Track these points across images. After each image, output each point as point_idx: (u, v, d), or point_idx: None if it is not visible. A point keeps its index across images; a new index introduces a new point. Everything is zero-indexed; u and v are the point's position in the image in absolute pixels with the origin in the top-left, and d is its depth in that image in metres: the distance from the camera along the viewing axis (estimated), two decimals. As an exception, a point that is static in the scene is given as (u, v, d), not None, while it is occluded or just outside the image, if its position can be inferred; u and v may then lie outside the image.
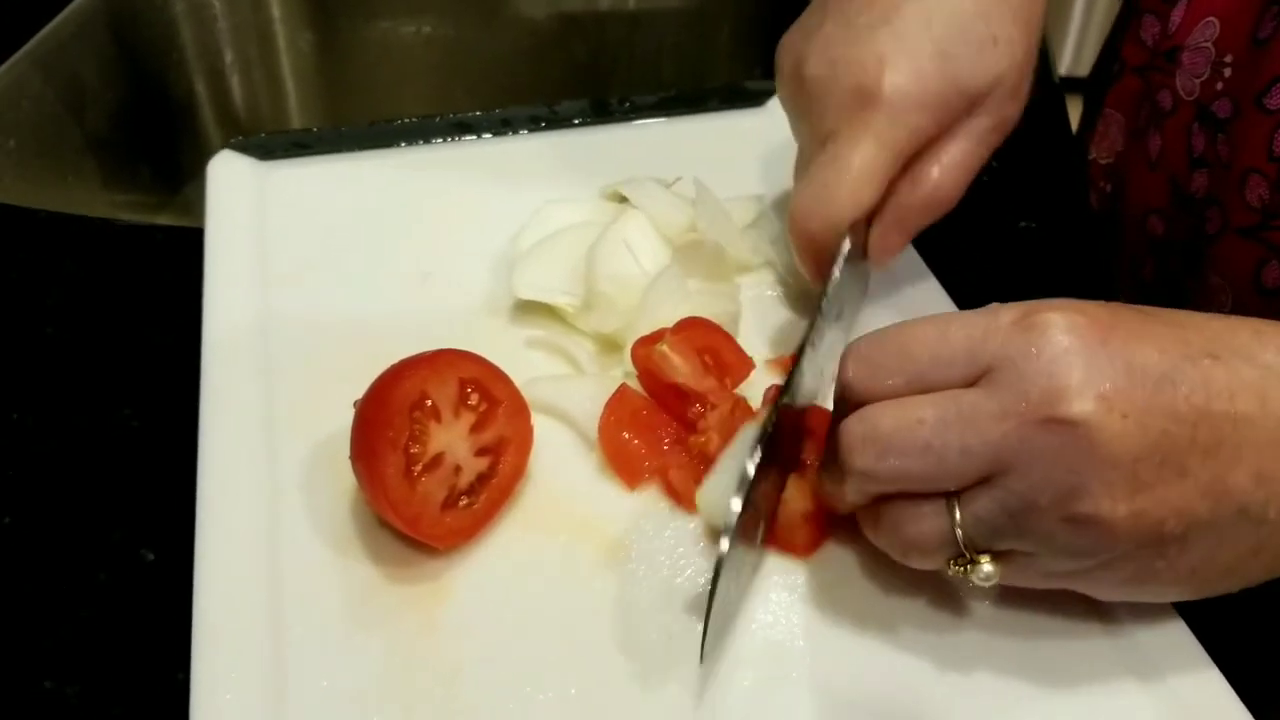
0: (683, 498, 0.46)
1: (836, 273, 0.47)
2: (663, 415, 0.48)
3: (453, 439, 0.43)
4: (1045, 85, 0.76)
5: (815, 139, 0.50)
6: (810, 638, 0.42)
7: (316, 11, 1.00)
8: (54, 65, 0.82)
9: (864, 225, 0.50)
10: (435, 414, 0.43)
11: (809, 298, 0.52)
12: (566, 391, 0.49)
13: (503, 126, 0.66)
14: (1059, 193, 0.71)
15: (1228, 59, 0.55)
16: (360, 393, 0.43)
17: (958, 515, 0.37)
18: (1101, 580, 0.38)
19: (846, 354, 0.39)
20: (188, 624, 0.41)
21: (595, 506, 0.46)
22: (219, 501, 0.45)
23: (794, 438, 0.45)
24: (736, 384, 0.49)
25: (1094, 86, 0.70)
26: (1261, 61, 0.53)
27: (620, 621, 0.42)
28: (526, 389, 0.47)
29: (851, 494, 0.39)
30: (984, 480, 0.36)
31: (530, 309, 0.54)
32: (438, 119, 0.66)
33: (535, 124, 0.67)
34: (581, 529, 0.45)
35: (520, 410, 0.46)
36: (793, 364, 0.43)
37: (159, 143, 0.93)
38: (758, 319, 0.54)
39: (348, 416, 0.43)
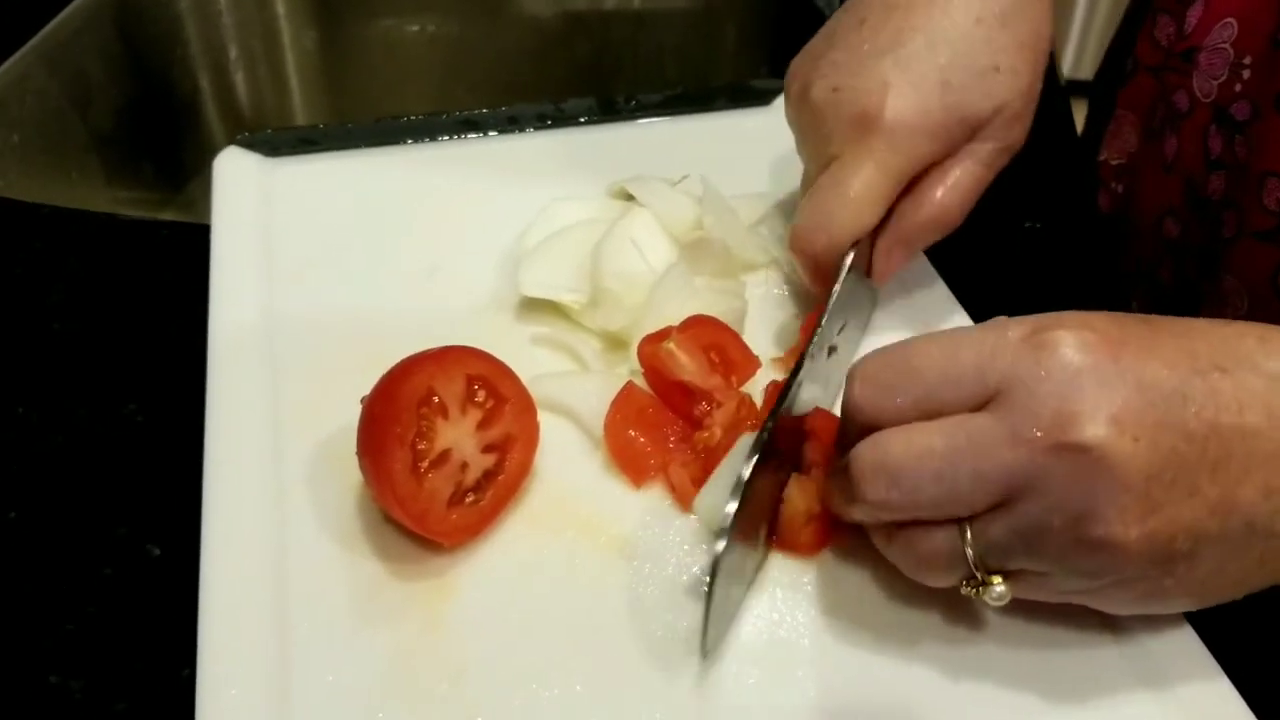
0: (683, 496, 0.46)
1: (838, 287, 0.48)
2: (668, 413, 0.48)
3: (459, 436, 0.43)
4: (1050, 86, 0.76)
5: (819, 162, 0.51)
6: (816, 637, 0.41)
7: (321, 8, 1.00)
8: (59, 60, 0.82)
9: (869, 242, 0.51)
10: (442, 410, 0.43)
11: (815, 297, 0.52)
12: (572, 389, 0.49)
13: (509, 124, 0.66)
14: (1064, 193, 0.71)
15: (1246, 60, 0.55)
16: (367, 389, 0.43)
17: (969, 538, 0.36)
18: (1112, 597, 0.38)
19: (853, 374, 0.39)
20: (193, 619, 0.41)
21: (601, 504, 0.46)
22: (224, 497, 0.45)
23: (795, 440, 0.45)
24: (742, 382, 0.49)
25: (1103, 86, 0.69)
26: None
27: (626, 619, 0.42)
28: (532, 386, 0.47)
29: (863, 518, 0.39)
30: (997, 504, 0.36)
31: (536, 306, 0.54)
32: (444, 116, 0.66)
33: (542, 122, 0.67)
34: (587, 526, 0.45)
35: (527, 407, 0.46)
36: (790, 377, 0.44)
37: (163, 139, 0.93)
38: (764, 317, 0.54)
39: (354, 412, 0.43)
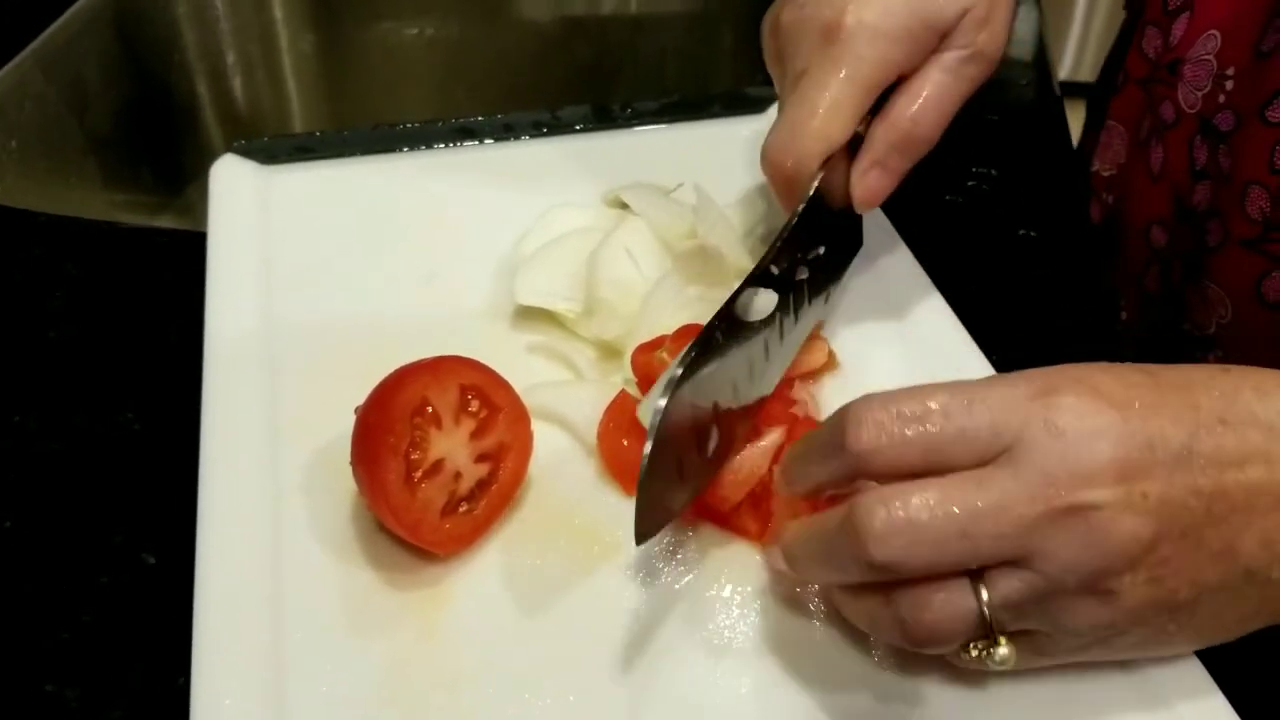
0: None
1: (806, 202, 0.48)
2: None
3: (453, 445, 0.44)
4: (1045, 94, 0.76)
5: (789, 80, 0.50)
6: (810, 642, 0.42)
7: (319, 13, 1.00)
8: (57, 66, 0.82)
9: (846, 167, 0.50)
10: (436, 420, 0.43)
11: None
12: (566, 398, 0.49)
13: (505, 132, 0.66)
14: (1059, 201, 0.71)
15: (1230, 71, 0.56)
16: (361, 398, 0.44)
17: (985, 596, 0.35)
18: (1113, 646, 0.38)
19: (860, 416, 0.36)
20: (188, 628, 0.41)
21: (595, 513, 0.46)
22: (220, 506, 0.45)
23: (745, 418, 0.45)
24: (736, 391, 0.50)
25: (1098, 98, 0.70)
26: (1264, 74, 0.53)
27: (619, 628, 0.42)
28: (527, 395, 0.47)
29: (850, 579, 0.38)
30: (1009, 562, 0.35)
31: (531, 314, 0.54)
32: (440, 124, 0.66)
33: (537, 129, 0.67)
34: (581, 535, 0.45)
35: (520, 417, 0.46)
36: (747, 278, 0.44)
37: (161, 144, 0.94)
38: (758, 326, 0.55)
39: (349, 421, 0.43)
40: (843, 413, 0.37)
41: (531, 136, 0.66)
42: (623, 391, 0.49)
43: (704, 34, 1.04)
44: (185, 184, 0.96)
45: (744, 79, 1.02)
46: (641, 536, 0.39)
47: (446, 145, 0.65)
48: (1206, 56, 0.57)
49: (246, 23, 0.98)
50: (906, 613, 0.36)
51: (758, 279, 0.46)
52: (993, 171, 0.52)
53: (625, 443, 0.47)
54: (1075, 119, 0.76)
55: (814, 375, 0.51)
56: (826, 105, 0.48)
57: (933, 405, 0.36)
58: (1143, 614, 0.36)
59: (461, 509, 0.43)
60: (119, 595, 0.46)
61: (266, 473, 0.47)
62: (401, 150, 0.65)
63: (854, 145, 0.50)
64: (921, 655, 0.40)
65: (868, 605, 0.38)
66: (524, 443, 0.46)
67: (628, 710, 0.40)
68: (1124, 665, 0.41)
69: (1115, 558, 0.35)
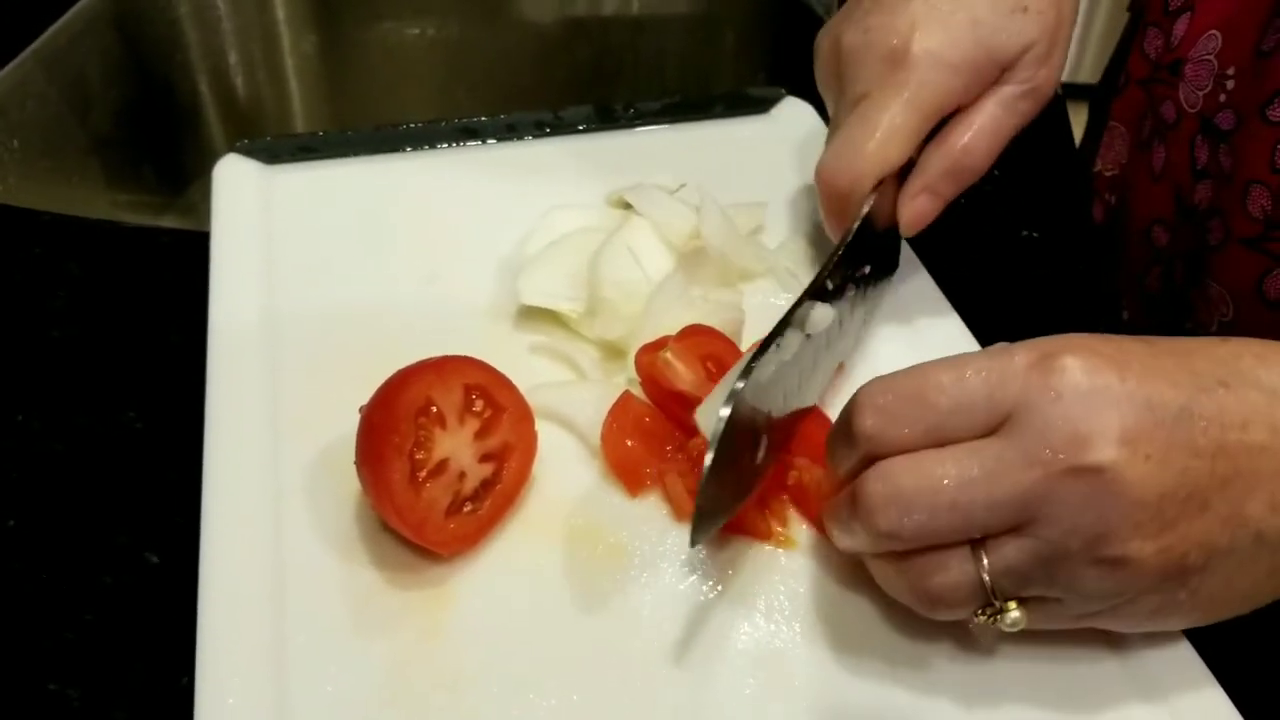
0: (679, 506, 0.46)
1: (858, 223, 0.48)
2: (665, 423, 0.48)
3: (457, 445, 0.44)
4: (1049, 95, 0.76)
5: (848, 100, 0.51)
6: (813, 647, 0.42)
7: (320, 13, 1.00)
8: (59, 65, 0.82)
9: (894, 190, 0.51)
10: (440, 420, 0.43)
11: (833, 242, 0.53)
12: (570, 398, 0.49)
13: (508, 132, 0.66)
14: (1061, 201, 0.71)
15: (1230, 71, 0.56)
16: (365, 397, 0.44)
17: (986, 563, 0.36)
18: (1126, 615, 0.38)
19: (862, 403, 0.38)
20: (191, 628, 0.41)
21: (598, 513, 0.46)
22: (223, 505, 0.45)
23: (787, 428, 0.46)
24: (740, 391, 0.49)
25: (1100, 99, 0.70)
26: (1265, 74, 0.53)
27: (623, 628, 0.42)
28: (530, 395, 0.47)
29: (868, 548, 0.39)
30: (1011, 529, 0.36)
31: (534, 315, 0.54)
32: (443, 124, 0.66)
33: (540, 129, 0.67)
34: (584, 535, 0.45)
35: (524, 417, 0.46)
36: (803, 294, 0.45)
37: (163, 143, 0.94)
38: (761, 326, 0.54)
39: (352, 421, 0.43)
40: (850, 401, 0.39)
41: (534, 136, 0.66)
42: (626, 392, 0.49)
43: (705, 35, 1.04)
44: (187, 183, 0.96)
45: (745, 80, 1.02)
46: (697, 539, 0.40)
47: (449, 145, 0.65)
48: (1207, 56, 0.57)
49: (248, 23, 0.98)
50: (914, 580, 0.38)
51: (814, 293, 0.46)
52: (995, 172, 0.52)
53: (629, 444, 0.47)
54: (1076, 120, 0.76)
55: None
56: (885, 128, 0.49)
57: (930, 383, 0.37)
58: (1153, 580, 0.36)
59: (466, 509, 0.43)
60: (122, 595, 0.46)
61: (269, 472, 0.46)
62: (405, 150, 0.65)
63: (902, 170, 0.51)
64: (918, 661, 0.41)
65: (887, 572, 0.39)
66: (528, 443, 0.46)
67: (632, 711, 0.39)
68: (1120, 654, 0.41)
69: (1117, 520, 0.35)
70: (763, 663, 0.41)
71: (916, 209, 0.51)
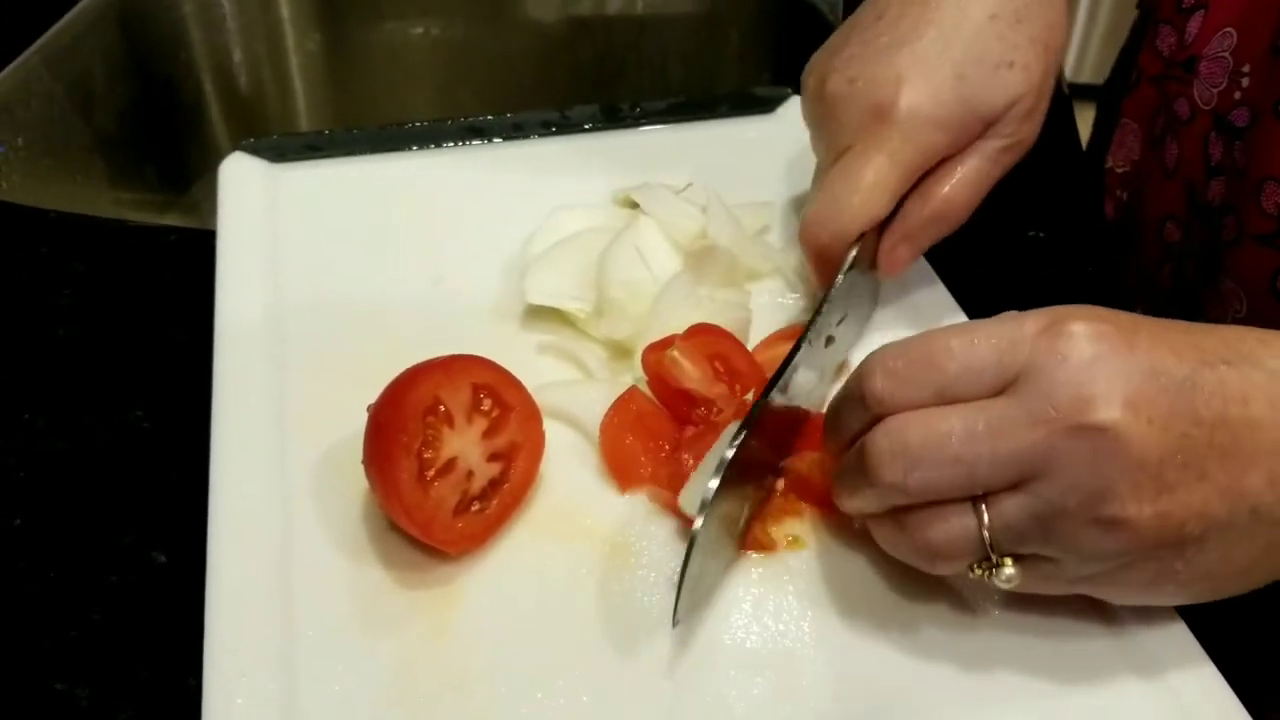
0: (665, 504, 0.46)
1: (840, 278, 0.49)
2: (668, 423, 0.48)
3: (465, 444, 0.43)
4: (1054, 97, 0.76)
5: (832, 152, 0.52)
6: (820, 646, 0.42)
7: (325, 12, 1.00)
8: (63, 64, 0.82)
9: (875, 237, 0.51)
10: (448, 419, 0.43)
11: (817, 290, 0.53)
12: (577, 397, 0.49)
13: (514, 131, 0.66)
14: (1068, 201, 0.71)
15: (1245, 69, 0.56)
16: (372, 396, 0.43)
17: (985, 518, 0.37)
18: (1121, 583, 0.38)
19: (873, 366, 0.39)
20: (199, 627, 0.41)
21: (606, 512, 0.46)
22: (231, 504, 0.45)
23: (784, 431, 0.46)
24: (746, 390, 0.49)
25: (1110, 96, 0.70)
26: (1279, 71, 0.53)
27: (631, 628, 0.42)
28: (537, 394, 0.47)
29: (873, 506, 0.40)
30: (1012, 485, 0.37)
31: (541, 314, 0.54)
32: (449, 123, 0.66)
33: (546, 129, 0.67)
34: (592, 534, 0.45)
35: (532, 416, 0.46)
36: (785, 361, 0.45)
37: (167, 142, 0.94)
38: (768, 326, 0.55)
39: (360, 420, 0.43)
40: (861, 366, 0.40)
41: (540, 136, 0.66)
42: (633, 387, 0.49)
43: (709, 35, 1.04)
44: (191, 182, 0.96)
45: (750, 80, 1.02)
46: (678, 620, 0.40)
47: (455, 144, 0.65)
48: (1222, 54, 0.57)
49: (253, 21, 0.98)
50: (914, 532, 0.39)
51: (797, 357, 0.46)
52: (1001, 174, 0.52)
53: (627, 440, 0.47)
54: (1080, 121, 0.76)
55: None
56: (869, 184, 0.49)
57: (940, 347, 0.38)
58: (1150, 546, 0.36)
59: (474, 508, 0.43)
60: (129, 594, 0.46)
61: (276, 471, 0.46)
62: (410, 149, 0.65)
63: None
64: (924, 646, 0.41)
65: (888, 530, 0.40)
66: (536, 442, 0.46)
67: (640, 711, 0.39)
68: (1116, 632, 0.42)
69: (1117, 479, 0.35)
70: (771, 662, 0.41)
71: (896, 257, 0.52)
